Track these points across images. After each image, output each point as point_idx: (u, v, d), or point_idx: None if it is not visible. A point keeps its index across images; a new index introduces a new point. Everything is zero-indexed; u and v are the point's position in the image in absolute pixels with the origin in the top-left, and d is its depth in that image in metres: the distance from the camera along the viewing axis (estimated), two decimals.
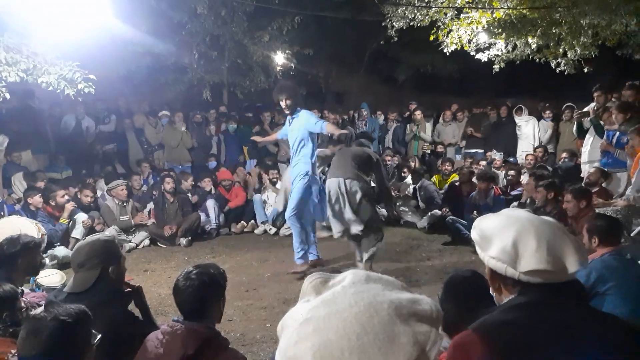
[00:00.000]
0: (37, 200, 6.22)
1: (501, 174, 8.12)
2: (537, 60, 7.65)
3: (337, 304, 0.85)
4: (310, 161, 5.38)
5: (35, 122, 8.50)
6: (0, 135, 7.38)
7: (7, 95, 4.96)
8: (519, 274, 1.33)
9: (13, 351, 1.92)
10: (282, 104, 5.44)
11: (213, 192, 7.94)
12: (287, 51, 10.91)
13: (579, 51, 7.09)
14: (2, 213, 5.90)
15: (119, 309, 2.52)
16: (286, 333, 0.87)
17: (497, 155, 9.05)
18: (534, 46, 7.28)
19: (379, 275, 0.95)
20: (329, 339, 0.80)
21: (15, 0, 4.54)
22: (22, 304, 2.70)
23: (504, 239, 1.35)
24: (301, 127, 5.40)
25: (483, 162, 8.61)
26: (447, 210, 7.29)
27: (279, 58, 10.92)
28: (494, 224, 1.42)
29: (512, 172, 7.50)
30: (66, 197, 6.37)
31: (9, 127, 7.49)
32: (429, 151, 10.17)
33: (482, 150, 9.60)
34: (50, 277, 4.72)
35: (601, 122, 6.57)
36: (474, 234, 1.46)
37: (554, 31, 6.87)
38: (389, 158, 9.28)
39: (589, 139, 6.97)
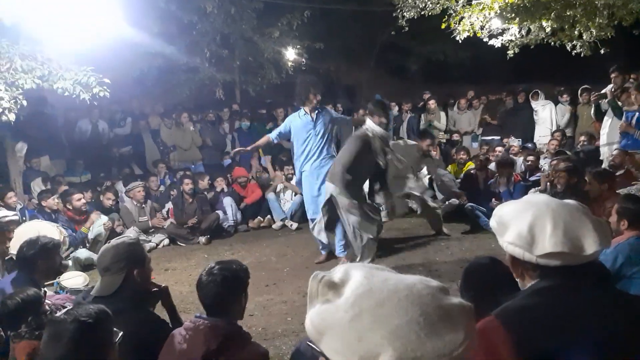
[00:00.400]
0: (51, 202, 6.30)
1: (519, 160, 8.02)
2: (552, 43, 7.51)
3: (377, 294, 0.85)
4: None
5: (52, 128, 8.63)
6: (19, 142, 7.51)
7: (24, 102, 5.03)
8: (536, 258, 1.31)
9: None
10: (316, 99, 5.40)
11: (226, 190, 7.97)
12: (298, 46, 10.90)
13: (594, 32, 6.93)
14: (24, 218, 6.00)
15: (145, 312, 2.55)
16: (334, 334, 0.84)
17: (515, 142, 8.94)
18: (548, 30, 7.14)
19: (374, 265, 0.97)
20: (397, 326, 0.80)
21: (28, 8, 4.59)
22: (47, 307, 2.73)
23: (520, 223, 1.35)
24: (330, 123, 5.41)
25: (499, 149, 8.51)
26: (465, 198, 7.23)
27: (290, 53, 10.91)
28: (512, 209, 1.41)
29: (531, 158, 7.40)
30: (82, 200, 6.42)
31: (27, 133, 7.61)
32: (444, 140, 10.09)
33: (498, 137, 9.50)
34: (73, 279, 4.78)
35: (619, 103, 6.45)
36: (492, 222, 1.45)
37: (568, 13, 6.73)
38: None
39: (608, 120, 6.86)
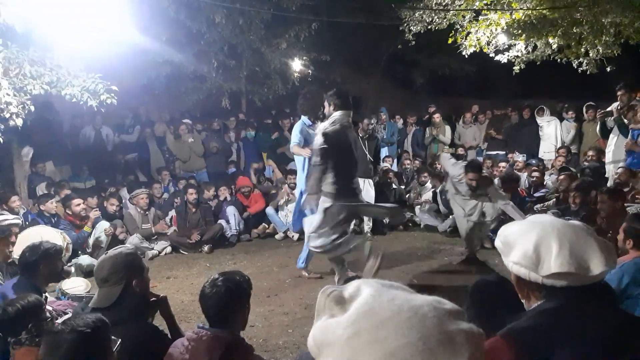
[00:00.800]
0: (49, 206, 6.30)
1: (523, 175, 8.01)
2: (559, 60, 7.54)
3: (379, 314, 0.83)
4: None
5: (58, 134, 8.68)
6: (26, 147, 7.56)
7: (32, 108, 5.06)
8: (542, 278, 1.31)
9: None
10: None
11: (229, 199, 7.96)
12: (304, 58, 10.96)
13: (601, 50, 6.97)
14: (26, 222, 6.01)
15: (144, 323, 2.53)
16: (331, 351, 0.84)
17: (519, 157, 8.93)
18: (554, 46, 7.18)
19: (389, 282, 0.94)
20: (393, 349, 0.79)
21: (39, 15, 4.64)
22: (47, 314, 2.72)
23: (525, 243, 1.34)
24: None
25: (503, 164, 8.50)
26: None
27: (296, 65, 10.96)
28: (516, 230, 1.41)
29: (536, 174, 7.38)
30: (81, 205, 6.42)
31: (33, 138, 7.65)
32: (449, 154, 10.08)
33: (503, 152, 9.50)
34: (75, 285, 4.79)
35: (625, 121, 6.44)
36: (497, 242, 1.44)
37: (575, 31, 6.78)
38: (408, 162, 9.22)
39: (613, 138, 6.84)
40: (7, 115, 4.72)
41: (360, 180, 6.77)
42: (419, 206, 8.13)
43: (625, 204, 5.00)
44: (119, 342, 1.88)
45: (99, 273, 2.51)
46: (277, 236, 7.68)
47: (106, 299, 2.44)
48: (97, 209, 6.64)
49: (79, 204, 6.37)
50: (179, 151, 9.51)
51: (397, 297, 0.86)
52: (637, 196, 5.51)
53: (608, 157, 6.97)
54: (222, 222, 7.41)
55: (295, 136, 5.60)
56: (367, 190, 7.00)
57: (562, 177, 6.20)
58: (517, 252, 1.35)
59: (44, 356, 1.78)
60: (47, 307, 3.15)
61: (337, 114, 4.86)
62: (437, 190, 7.83)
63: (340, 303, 0.89)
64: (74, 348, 1.73)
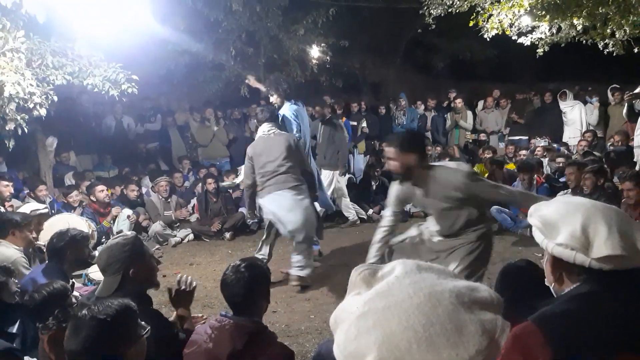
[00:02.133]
0: (75, 198, 6.43)
1: (545, 161, 7.87)
2: (584, 42, 7.33)
3: (394, 295, 0.83)
4: None
5: (81, 124, 8.81)
6: (50, 137, 7.69)
7: (55, 98, 5.13)
8: (591, 261, 1.26)
9: None
10: (272, 99, 5.52)
11: None
12: (323, 44, 10.86)
13: (628, 31, 6.73)
14: (52, 211, 6.14)
15: (146, 309, 2.49)
16: (342, 327, 0.85)
17: (540, 142, 8.77)
18: (579, 27, 6.96)
19: (429, 264, 0.92)
20: (392, 332, 0.78)
21: (59, 5, 4.68)
22: (73, 299, 2.77)
23: (571, 225, 1.29)
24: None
25: (523, 152, 8.35)
26: None
27: (315, 51, 10.89)
28: (556, 210, 1.35)
29: (560, 159, 7.25)
30: (105, 192, 6.52)
31: (57, 128, 7.78)
32: (470, 140, 9.96)
33: (526, 137, 9.34)
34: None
35: None
36: (534, 221, 1.39)
37: (600, 11, 6.55)
38: (430, 148, 9.13)
39: None
40: (31, 106, 4.79)
41: (326, 172, 6.87)
42: None
43: None
44: (148, 329, 1.89)
45: (99, 263, 2.54)
46: None
47: (107, 289, 2.45)
48: (119, 206, 6.72)
49: (102, 190, 6.48)
50: (202, 137, 9.56)
51: (423, 280, 0.85)
52: None
53: (637, 140, 6.79)
54: (243, 209, 7.46)
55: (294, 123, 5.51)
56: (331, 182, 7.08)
57: (569, 172, 6.05)
58: (564, 233, 1.30)
59: (67, 338, 1.81)
60: (75, 292, 3.23)
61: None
62: None
63: (367, 282, 0.89)
64: (92, 334, 1.76)
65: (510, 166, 7.89)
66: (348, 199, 7.61)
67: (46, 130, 7.48)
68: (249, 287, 2.30)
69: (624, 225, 1.29)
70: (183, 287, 2.80)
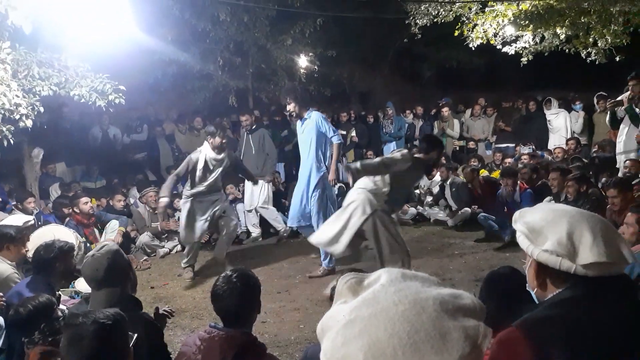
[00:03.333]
0: (84, 207, 6.35)
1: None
2: (567, 50, 7.46)
3: (380, 303, 0.84)
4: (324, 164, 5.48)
5: (68, 135, 8.74)
6: (36, 148, 7.62)
7: (41, 109, 5.10)
8: (577, 267, 1.28)
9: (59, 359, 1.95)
10: (288, 107, 5.52)
11: (239, 197, 7.98)
12: (310, 53, 10.94)
13: (609, 40, 6.89)
14: (39, 223, 6.07)
15: (139, 314, 2.52)
16: (329, 335, 0.86)
17: (525, 150, 8.87)
18: (562, 37, 7.11)
19: (413, 273, 0.94)
20: (378, 339, 0.79)
21: (46, 16, 4.66)
22: (59, 312, 2.73)
23: (557, 231, 1.31)
24: (312, 128, 5.41)
25: (509, 160, 8.45)
26: (477, 207, 7.22)
27: (302, 61, 10.95)
28: (541, 217, 1.37)
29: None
30: (89, 204, 6.43)
31: (43, 140, 7.71)
32: (457, 148, 10.05)
33: (512, 145, 9.45)
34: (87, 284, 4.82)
35: (637, 110, 6.36)
36: (519, 227, 1.40)
37: (583, 20, 6.70)
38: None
39: (624, 128, 6.75)
40: (17, 117, 4.75)
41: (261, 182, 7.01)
42: (428, 200, 8.10)
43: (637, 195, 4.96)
44: (135, 337, 1.88)
45: (95, 275, 2.45)
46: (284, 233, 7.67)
47: (107, 301, 2.38)
48: (104, 209, 6.65)
49: (86, 202, 6.38)
50: (193, 145, 9.40)
51: (407, 288, 0.86)
52: None
53: (619, 147, 6.89)
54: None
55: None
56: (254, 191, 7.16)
57: (552, 177, 6.13)
58: (550, 240, 1.31)
59: (65, 348, 1.77)
60: (61, 305, 3.19)
61: None
62: (446, 184, 7.81)
63: (353, 290, 0.91)
64: (95, 339, 1.73)
65: (497, 174, 7.98)
66: (275, 209, 7.55)
67: (32, 141, 7.42)
68: (240, 299, 2.26)
69: (607, 233, 1.31)
70: (161, 312, 2.80)
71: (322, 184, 5.48)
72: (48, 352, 2.38)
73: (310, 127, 5.43)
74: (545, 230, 1.33)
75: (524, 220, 1.40)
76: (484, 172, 8.06)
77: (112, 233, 6.44)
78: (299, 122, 5.61)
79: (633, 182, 5.51)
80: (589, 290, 1.29)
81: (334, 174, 5.53)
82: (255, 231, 7.50)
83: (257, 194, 7.30)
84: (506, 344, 1.26)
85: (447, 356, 0.78)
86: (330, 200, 5.65)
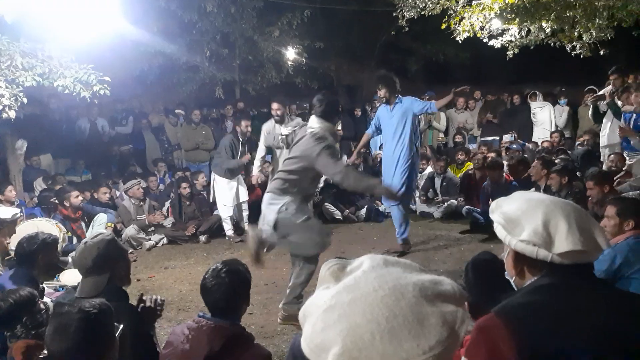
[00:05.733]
0: (75, 200, 6.27)
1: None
2: (552, 44, 7.52)
3: (360, 289, 0.85)
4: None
5: (53, 126, 8.63)
6: (20, 140, 7.51)
7: (25, 100, 5.04)
8: (553, 256, 1.30)
9: (44, 352, 1.94)
10: (379, 93, 5.69)
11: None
12: (298, 46, 10.91)
13: (594, 34, 6.94)
14: (21, 214, 6.00)
15: (125, 304, 2.52)
16: (310, 320, 0.87)
17: (508, 137, 8.97)
18: (548, 30, 7.14)
19: (396, 259, 0.95)
20: (357, 324, 0.80)
21: (29, 6, 4.59)
22: (42, 306, 2.71)
23: (533, 221, 1.33)
24: (406, 111, 5.59)
25: (492, 154, 8.52)
26: (462, 199, 7.29)
27: (290, 53, 10.92)
28: (517, 206, 1.39)
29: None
30: (80, 197, 6.37)
31: (27, 131, 7.61)
32: (443, 142, 10.10)
33: (498, 138, 9.52)
34: (73, 277, 4.79)
35: (619, 103, 6.45)
36: (496, 217, 1.42)
37: (568, 14, 6.74)
38: None
39: (607, 122, 6.86)
40: (0, 108, 4.69)
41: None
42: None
43: (617, 188, 5.03)
44: (121, 327, 1.88)
45: (83, 263, 2.45)
46: None
47: (94, 288, 2.40)
48: (89, 202, 6.58)
49: (77, 196, 6.31)
50: (184, 139, 9.28)
51: (389, 274, 0.88)
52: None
53: (602, 141, 7.00)
54: (217, 212, 7.41)
55: None
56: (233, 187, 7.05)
57: (533, 165, 6.21)
58: (527, 229, 1.33)
59: (51, 337, 1.77)
60: (45, 298, 3.17)
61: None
62: (439, 177, 7.87)
63: (336, 276, 0.92)
64: (82, 328, 1.73)
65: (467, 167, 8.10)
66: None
67: (16, 133, 7.31)
68: (230, 292, 2.27)
69: (582, 221, 1.34)
70: (148, 305, 2.64)
71: (412, 163, 5.72)
72: (32, 346, 2.37)
73: (402, 110, 5.62)
74: (521, 220, 1.35)
75: (500, 210, 1.42)
76: (469, 165, 8.12)
77: (99, 226, 6.38)
78: (383, 107, 5.80)
79: (618, 176, 5.61)
80: (564, 278, 1.31)
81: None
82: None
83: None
84: (485, 330, 1.28)
85: (424, 341, 0.79)
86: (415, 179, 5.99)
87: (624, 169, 5.95)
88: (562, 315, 1.26)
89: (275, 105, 6.65)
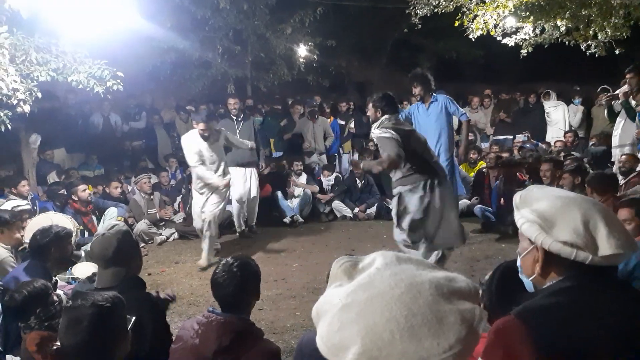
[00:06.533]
0: (82, 194, 6.33)
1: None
2: (567, 43, 7.44)
3: (376, 287, 0.84)
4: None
5: (68, 121, 8.71)
6: (34, 134, 7.59)
7: (39, 94, 5.08)
8: (593, 258, 1.23)
9: (57, 343, 1.96)
10: (415, 91, 5.70)
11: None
12: (310, 43, 10.88)
13: (609, 32, 6.86)
14: (34, 208, 6.06)
15: (143, 293, 2.56)
16: (325, 319, 0.86)
17: (520, 137, 8.90)
18: (562, 29, 7.07)
19: (408, 256, 0.94)
20: (375, 323, 0.79)
21: (44, 2, 4.63)
22: (55, 297, 2.75)
23: (571, 221, 1.26)
24: (442, 110, 5.59)
25: (505, 155, 8.46)
26: (477, 198, 7.25)
27: (302, 50, 10.90)
28: (550, 204, 1.31)
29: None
30: (87, 191, 6.41)
31: (41, 126, 7.68)
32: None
33: (511, 137, 9.45)
34: (85, 269, 4.84)
35: (633, 103, 6.37)
36: (527, 215, 1.33)
37: (583, 12, 6.66)
38: None
39: (620, 122, 6.78)
40: (15, 102, 4.73)
41: (240, 171, 6.75)
42: None
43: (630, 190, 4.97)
44: (132, 320, 1.90)
45: (104, 254, 2.47)
46: (285, 219, 7.69)
47: (114, 279, 2.44)
48: (101, 196, 6.63)
49: (84, 190, 6.37)
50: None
51: (403, 271, 0.87)
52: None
53: (614, 141, 6.91)
54: (229, 208, 7.43)
55: None
56: (246, 181, 6.86)
57: (545, 168, 6.12)
58: (566, 230, 1.25)
59: (64, 331, 1.79)
60: (58, 290, 3.21)
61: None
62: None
63: (348, 273, 0.91)
64: (94, 321, 1.74)
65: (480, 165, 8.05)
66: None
67: (30, 127, 7.38)
68: (240, 287, 2.28)
69: (617, 222, 1.29)
70: (163, 296, 2.82)
71: (452, 162, 5.73)
72: (46, 338, 2.40)
73: (439, 109, 5.62)
74: (557, 219, 1.27)
75: (531, 207, 1.33)
76: (482, 164, 8.07)
77: (110, 220, 6.42)
78: (419, 106, 5.76)
79: (630, 176, 5.55)
80: (592, 279, 1.26)
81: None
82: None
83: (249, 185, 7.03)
84: (503, 332, 1.25)
85: (443, 339, 0.78)
86: (458, 179, 5.95)
87: (637, 169, 5.87)
88: (585, 318, 1.22)
89: (232, 101, 6.86)
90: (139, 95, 10.16)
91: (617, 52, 7.02)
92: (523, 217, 1.34)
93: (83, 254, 5.77)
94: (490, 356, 1.26)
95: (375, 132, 4.28)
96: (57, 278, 3.65)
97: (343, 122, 9.98)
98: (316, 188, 8.06)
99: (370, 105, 4.45)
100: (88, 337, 1.73)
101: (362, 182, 8.10)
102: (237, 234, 7.09)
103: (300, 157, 8.69)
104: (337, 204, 7.86)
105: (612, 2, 6.34)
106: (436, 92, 5.81)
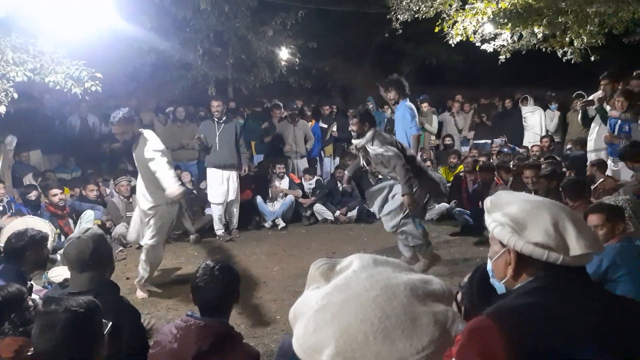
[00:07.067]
0: (54, 199, 6.21)
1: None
2: (544, 49, 7.59)
3: (351, 289, 0.85)
4: None
5: (45, 122, 8.56)
6: (10, 135, 7.44)
7: (15, 95, 4.99)
8: (564, 259, 1.26)
9: (31, 349, 1.93)
10: (389, 95, 5.85)
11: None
12: (292, 46, 10.89)
13: (585, 40, 7.02)
14: (10, 211, 5.94)
15: (118, 297, 2.53)
16: (301, 321, 0.87)
17: (498, 141, 9.05)
18: (540, 36, 7.22)
19: (385, 258, 0.95)
20: (349, 324, 0.80)
21: (21, 1, 4.56)
22: (30, 302, 2.70)
23: (541, 223, 1.29)
24: (402, 118, 5.75)
25: (483, 159, 8.58)
26: (455, 202, 7.33)
27: (284, 53, 10.90)
28: (520, 207, 1.34)
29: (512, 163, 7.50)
30: (59, 195, 6.24)
31: (18, 126, 7.53)
32: (435, 145, 10.15)
33: (490, 141, 9.59)
34: (61, 273, 4.76)
35: (608, 108, 6.53)
36: (499, 218, 1.36)
37: (560, 20, 6.81)
38: None
39: (595, 127, 6.95)
40: None
41: (218, 172, 6.80)
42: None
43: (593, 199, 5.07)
44: (109, 325, 1.88)
45: (81, 257, 2.44)
46: (265, 224, 7.68)
47: (90, 283, 2.41)
48: (78, 199, 6.52)
49: (56, 194, 6.22)
50: (170, 137, 9.09)
51: (379, 274, 0.88)
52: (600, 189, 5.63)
53: (589, 145, 7.08)
54: (209, 211, 7.38)
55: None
56: (223, 183, 6.84)
57: (527, 175, 6.23)
58: (538, 232, 1.28)
59: (37, 336, 1.76)
60: (33, 295, 3.15)
61: None
62: None
63: (326, 276, 0.92)
64: (68, 327, 1.73)
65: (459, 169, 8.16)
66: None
67: (6, 128, 7.24)
68: (221, 291, 2.28)
69: (583, 223, 1.33)
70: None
71: None
72: (21, 345, 2.35)
73: (400, 115, 5.81)
74: (527, 222, 1.30)
75: (503, 211, 1.36)
76: (461, 168, 8.17)
77: (87, 223, 6.33)
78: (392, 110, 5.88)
79: (596, 183, 5.73)
80: (562, 279, 1.29)
81: None
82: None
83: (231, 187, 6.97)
84: (477, 332, 1.26)
85: (417, 341, 0.79)
86: None
87: (606, 174, 6.02)
88: (557, 317, 1.24)
89: (215, 103, 6.90)
90: (119, 97, 10.03)
91: (592, 58, 7.19)
92: (495, 221, 1.37)
93: (59, 257, 5.68)
94: (464, 356, 1.27)
95: (373, 148, 4.80)
96: (32, 282, 3.59)
97: (325, 126, 9.99)
98: (299, 193, 8.03)
99: (357, 119, 4.94)
100: (62, 342, 1.71)
101: (343, 185, 8.06)
102: (218, 237, 7.04)
103: (283, 160, 8.68)
104: (318, 207, 7.87)
105: (588, 10, 6.49)
106: (408, 97, 5.89)
